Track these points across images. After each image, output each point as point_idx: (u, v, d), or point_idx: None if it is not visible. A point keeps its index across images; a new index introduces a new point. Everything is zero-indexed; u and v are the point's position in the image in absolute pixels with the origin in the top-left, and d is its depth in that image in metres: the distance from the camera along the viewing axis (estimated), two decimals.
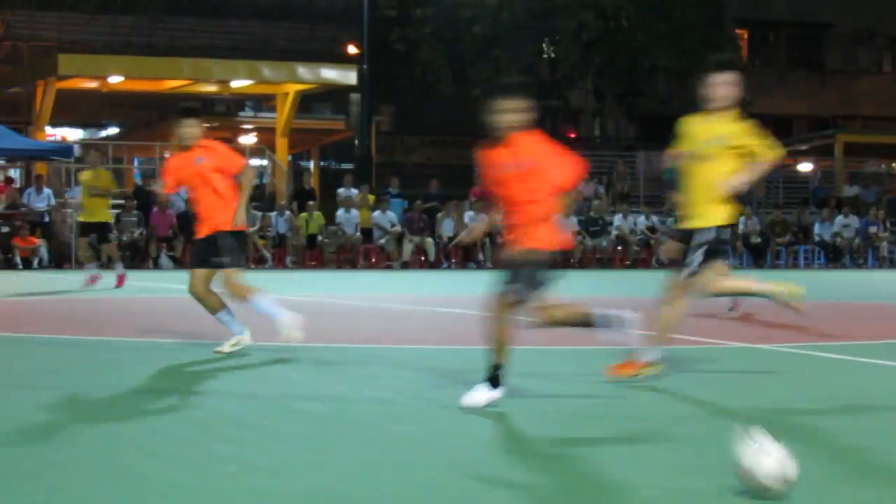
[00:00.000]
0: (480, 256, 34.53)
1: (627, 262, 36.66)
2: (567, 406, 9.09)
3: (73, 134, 48.71)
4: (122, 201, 32.60)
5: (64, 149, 35.52)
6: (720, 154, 9.76)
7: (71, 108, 43.33)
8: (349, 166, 45.56)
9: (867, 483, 6.48)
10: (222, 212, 11.59)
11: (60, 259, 31.89)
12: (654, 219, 38.23)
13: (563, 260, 9.13)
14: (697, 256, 9.75)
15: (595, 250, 36.54)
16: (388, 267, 34.07)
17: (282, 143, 39.92)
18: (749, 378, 11.26)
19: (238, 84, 40.09)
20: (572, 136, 50.20)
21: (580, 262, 35.21)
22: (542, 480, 6.49)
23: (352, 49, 46.16)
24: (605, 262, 36.48)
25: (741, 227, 38.42)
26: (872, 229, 39.10)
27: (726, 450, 6.90)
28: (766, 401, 9.61)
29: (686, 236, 9.91)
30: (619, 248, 37.18)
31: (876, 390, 10.25)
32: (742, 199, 38.65)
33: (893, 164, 52.36)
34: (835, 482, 6.52)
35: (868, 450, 7.42)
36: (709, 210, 9.79)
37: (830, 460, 7.18)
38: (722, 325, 16.80)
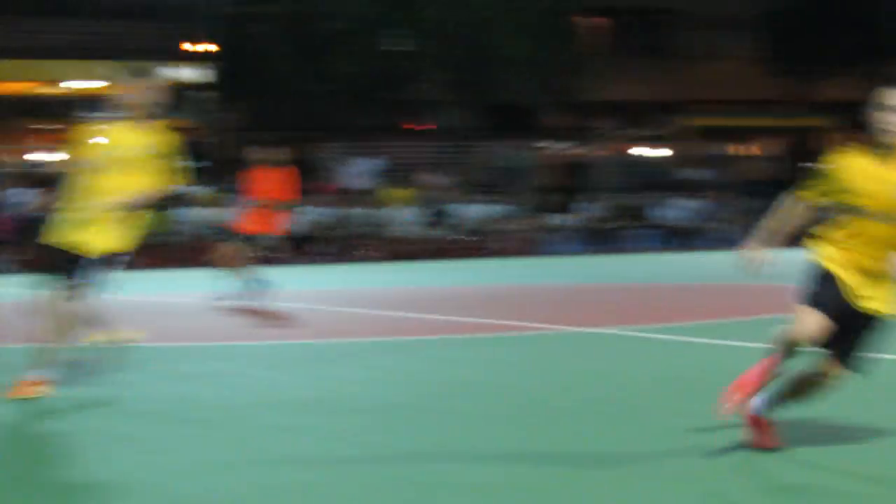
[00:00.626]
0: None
1: (473, 251, 37.07)
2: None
3: None
4: None
5: None
6: (131, 166, 9.14)
7: None
8: (202, 164, 45.50)
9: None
10: None
11: None
12: (502, 207, 38.86)
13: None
14: (84, 275, 9.05)
15: (441, 240, 36.95)
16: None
17: None
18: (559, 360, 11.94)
19: (86, 85, 39.80)
20: (421, 127, 50.61)
21: (427, 253, 35.63)
22: (407, 476, 6.57)
23: (205, 47, 46.12)
24: (452, 251, 36.75)
25: (585, 211, 39.21)
26: (717, 211, 40.10)
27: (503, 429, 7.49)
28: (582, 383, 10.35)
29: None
30: (466, 237, 37.65)
31: (704, 370, 10.78)
32: (589, 184, 38.48)
33: (742, 147, 53.61)
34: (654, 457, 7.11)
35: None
36: (105, 231, 9.07)
37: (661, 438, 7.63)
38: (553, 309, 17.46)
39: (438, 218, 37.73)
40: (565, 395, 9.56)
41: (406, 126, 50.30)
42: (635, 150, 50.83)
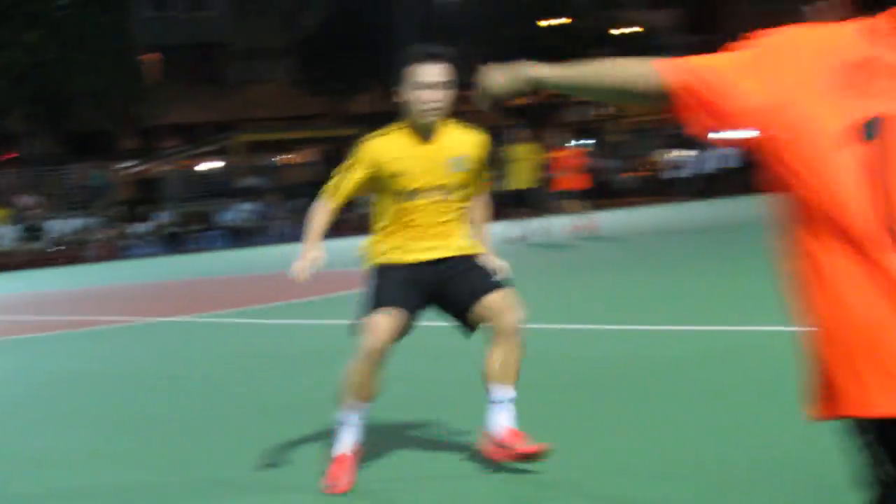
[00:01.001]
0: None
1: (66, 259, 36.29)
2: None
3: None
4: None
5: None
6: None
7: None
8: None
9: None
10: None
11: None
12: (89, 220, 38.43)
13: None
14: None
15: (34, 252, 36.26)
16: None
17: None
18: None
19: None
20: (11, 156, 49.14)
21: (25, 263, 34.74)
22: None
23: None
24: (47, 260, 35.86)
25: (156, 218, 39.09)
26: (271, 212, 40.54)
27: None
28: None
29: None
30: (56, 248, 36.94)
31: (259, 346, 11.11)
32: (162, 195, 38.19)
33: (284, 157, 54.31)
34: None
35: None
36: None
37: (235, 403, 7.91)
38: (140, 303, 17.38)
39: (33, 232, 36.87)
40: (155, 376, 9.60)
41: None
42: (199, 165, 50.76)
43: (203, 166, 50.52)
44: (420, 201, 5.41)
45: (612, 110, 54.63)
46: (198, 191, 45.72)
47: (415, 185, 5.39)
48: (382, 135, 5.51)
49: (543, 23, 52.07)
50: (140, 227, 39.07)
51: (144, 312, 15.27)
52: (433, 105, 5.32)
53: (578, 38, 50.21)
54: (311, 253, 5.44)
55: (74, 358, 11.34)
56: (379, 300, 5.28)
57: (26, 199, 39.92)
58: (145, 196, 44.56)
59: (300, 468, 5.74)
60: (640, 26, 54.27)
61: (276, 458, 5.93)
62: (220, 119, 58.89)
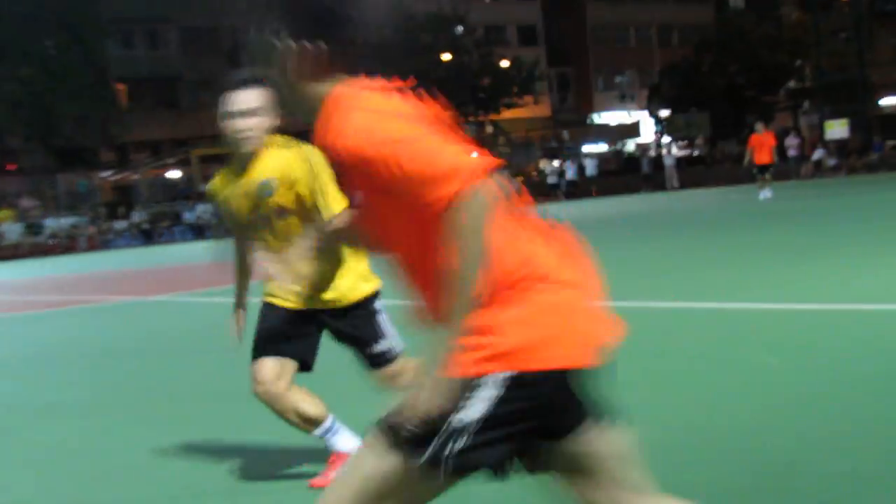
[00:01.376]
0: None
1: (63, 249, 35.99)
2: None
3: None
4: None
5: None
6: None
7: None
8: None
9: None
10: None
11: None
12: (78, 219, 38.59)
13: None
14: None
15: (35, 245, 36.02)
16: None
17: None
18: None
19: None
20: (12, 167, 48.43)
21: (23, 255, 34.48)
22: None
23: None
24: (48, 251, 35.45)
25: (132, 217, 38.80)
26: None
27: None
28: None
29: None
30: (53, 241, 36.73)
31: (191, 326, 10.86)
32: (137, 198, 37.77)
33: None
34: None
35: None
36: None
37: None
38: (126, 284, 17.07)
39: (34, 229, 36.66)
40: (144, 343, 9.40)
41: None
42: (164, 173, 50.33)
43: (168, 174, 50.09)
44: (259, 234, 4.17)
45: (490, 130, 54.80)
46: (165, 194, 45.52)
47: (242, 218, 4.18)
48: (219, 173, 4.27)
49: (443, 57, 52.14)
50: (119, 224, 38.58)
51: (125, 293, 15.06)
52: (243, 133, 4.04)
53: (467, 70, 50.66)
54: (235, 320, 4.39)
55: (72, 329, 11.17)
56: (256, 348, 4.19)
57: (27, 202, 39.82)
58: (122, 199, 44.27)
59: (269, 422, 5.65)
60: (511, 61, 54.49)
61: (242, 411, 5.78)
62: (178, 136, 58.18)
